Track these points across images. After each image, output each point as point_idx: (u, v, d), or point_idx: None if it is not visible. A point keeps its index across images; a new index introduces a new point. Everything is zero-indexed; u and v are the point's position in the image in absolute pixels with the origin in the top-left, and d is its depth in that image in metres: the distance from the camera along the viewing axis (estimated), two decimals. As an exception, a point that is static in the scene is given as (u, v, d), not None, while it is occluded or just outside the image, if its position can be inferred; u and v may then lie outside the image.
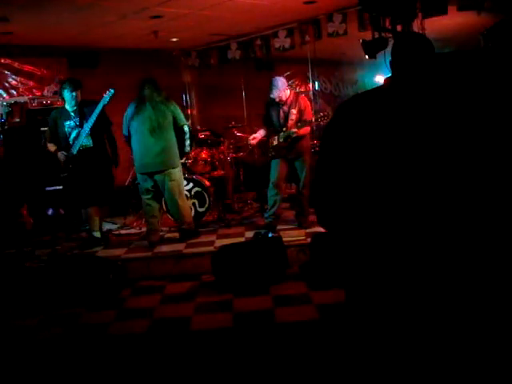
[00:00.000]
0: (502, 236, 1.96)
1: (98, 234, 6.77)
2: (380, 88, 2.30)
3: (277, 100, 6.56)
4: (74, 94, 6.37)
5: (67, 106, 6.48)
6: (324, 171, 2.27)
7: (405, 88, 2.13)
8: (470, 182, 1.95)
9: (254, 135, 6.89)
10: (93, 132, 6.36)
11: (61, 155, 6.43)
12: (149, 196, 6.60)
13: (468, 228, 1.96)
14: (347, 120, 2.19)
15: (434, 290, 1.99)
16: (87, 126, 6.30)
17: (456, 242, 1.96)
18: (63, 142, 6.46)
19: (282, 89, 6.50)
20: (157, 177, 6.46)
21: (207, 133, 8.67)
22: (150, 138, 6.33)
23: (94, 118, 6.27)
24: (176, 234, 6.89)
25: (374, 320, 2.16)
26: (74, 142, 6.39)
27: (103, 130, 6.50)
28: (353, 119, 2.16)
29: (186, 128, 6.56)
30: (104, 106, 6.30)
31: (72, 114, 6.44)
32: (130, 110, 6.49)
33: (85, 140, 6.37)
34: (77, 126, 6.39)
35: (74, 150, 6.38)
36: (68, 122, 6.43)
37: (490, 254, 1.96)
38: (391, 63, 2.21)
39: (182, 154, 6.70)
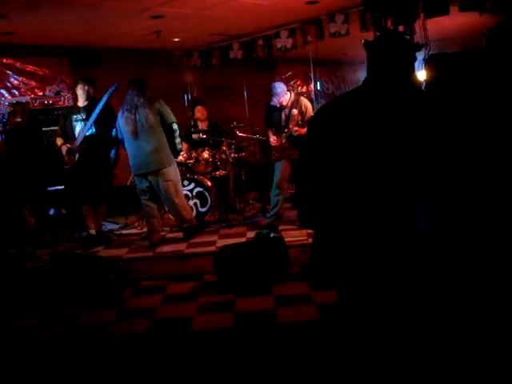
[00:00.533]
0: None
1: (93, 232, 6.81)
2: (355, 90, 2.33)
3: (278, 106, 6.57)
4: (86, 87, 6.58)
5: (79, 103, 6.66)
6: (304, 171, 2.34)
7: (374, 91, 2.16)
8: (453, 180, 1.98)
9: (274, 138, 6.77)
10: (97, 122, 6.46)
11: (64, 147, 6.54)
12: (146, 197, 6.59)
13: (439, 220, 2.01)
14: (324, 122, 2.27)
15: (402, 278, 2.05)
16: (92, 118, 6.40)
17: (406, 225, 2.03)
18: (70, 136, 6.59)
19: (281, 95, 6.51)
20: (151, 178, 6.43)
21: (205, 124, 8.71)
22: (137, 139, 6.31)
23: (99, 109, 6.37)
24: (178, 234, 6.90)
25: (361, 314, 2.21)
26: (79, 135, 6.50)
27: (108, 121, 6.57)
28: (328, 121, 2.24)
29: (174, 126, 6.44)
30: (109, 97, 6.40)
31: (81, 109, 6.59)
32: (119, 113, 6.54)
33: (89, 131, 6.48)
34: (83, 119, 6.52)
35: (78, 142, 6.47)
36: (75, 116, 6.57)
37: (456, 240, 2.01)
38: (367, 64, 2.25)
39: (175, 152, 6.60)
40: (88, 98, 6.60)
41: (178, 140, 6.51)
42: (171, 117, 6.45)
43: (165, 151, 6.42)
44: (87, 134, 6.46)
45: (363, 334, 2.19)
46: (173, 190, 6.48)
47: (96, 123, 6.46)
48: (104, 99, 6.39)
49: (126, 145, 6.49)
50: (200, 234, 6.87)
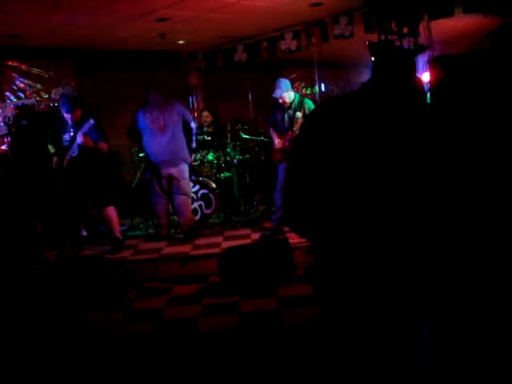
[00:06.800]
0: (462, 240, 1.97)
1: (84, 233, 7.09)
2: (353, 92, 2.30)
3: (280, 101, 6.52)
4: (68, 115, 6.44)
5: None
6: (294, 174, 2.27)
7: (374, 94, 2.13)
8: (451, 186, 1.95)
9: (278, 140, 6.71)
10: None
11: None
12: (161, 194, 6.93)
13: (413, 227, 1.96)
14: (317, 123, 2.19)
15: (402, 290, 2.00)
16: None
17: (402, 237, 1.97)
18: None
19: (284, 89, 6.45)
20: (170, 173, 6.76)
21: (209, 118, 8.83)
22: (164, 136, 6.65)
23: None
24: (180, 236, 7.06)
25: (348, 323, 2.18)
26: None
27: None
28: (323, 123, 2.16)
29: (192, 124, 6.93)
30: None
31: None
32: (139, 114, 6.77)
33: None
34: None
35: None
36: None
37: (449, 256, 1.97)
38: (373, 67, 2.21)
39: (191, 150, 7.04)
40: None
41: (194, 137, 7.00)
42: (191, 117, 6.97)
43: (185, 149, 6.86)
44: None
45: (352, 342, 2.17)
46: (187, 189, 6.95)
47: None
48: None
49: (149, 141, 6.75)
50: (200, 236, 7.02)
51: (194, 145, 7.05)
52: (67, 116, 6.40)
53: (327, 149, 2.10)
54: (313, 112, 2.33)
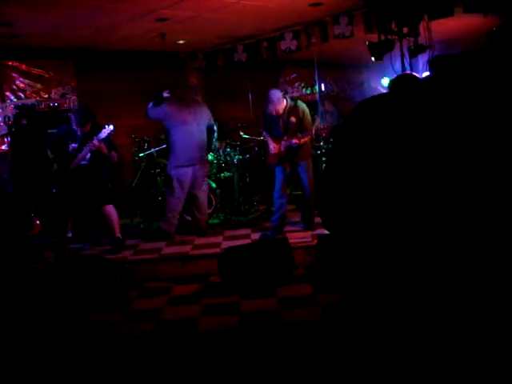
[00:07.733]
0: (495, 237, 1.96)
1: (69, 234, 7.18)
2: (387, 93, 2.30)
3: (274, 114, 6.51)
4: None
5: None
6: (330, 173, 2.29)
7: (407, 93, 2.13)
8: (466, 187, 1.94)
9: (273, 145, 6.66)
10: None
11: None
12: (182, 192, 7.03)
13: (462, 231, 1.95)
14: (355, 124, 2.21)
15: (431, 289, 2.00)
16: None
17: (450, 244, 1.96)
18: None
19: (277, 102, 6.44)
20: (195, 171, 6.95)
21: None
22: (194, 134, 6.85)
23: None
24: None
25: (372, 319, 2.17)
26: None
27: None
28: (360, 123, 2.18)
29: (215, 127, 7.27)
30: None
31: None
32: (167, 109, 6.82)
33: None
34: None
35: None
36: None
37: (484, 255, 1.96)
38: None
39: (210, 150, 7.43)
40: None
41: (215, 139, 7.37)
42: (212, 119, 7.18)
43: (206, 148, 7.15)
44: None
45: (368, 334, 2.18)
46: (207, 186, 7.24)
47: None
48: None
49: (180, 137, 6.81)
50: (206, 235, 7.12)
51: (213, 146, 7.41)
52: (77, 129, 6.42)
53: (362, 149, 2.12)
54: (351, 114, 2.32)
